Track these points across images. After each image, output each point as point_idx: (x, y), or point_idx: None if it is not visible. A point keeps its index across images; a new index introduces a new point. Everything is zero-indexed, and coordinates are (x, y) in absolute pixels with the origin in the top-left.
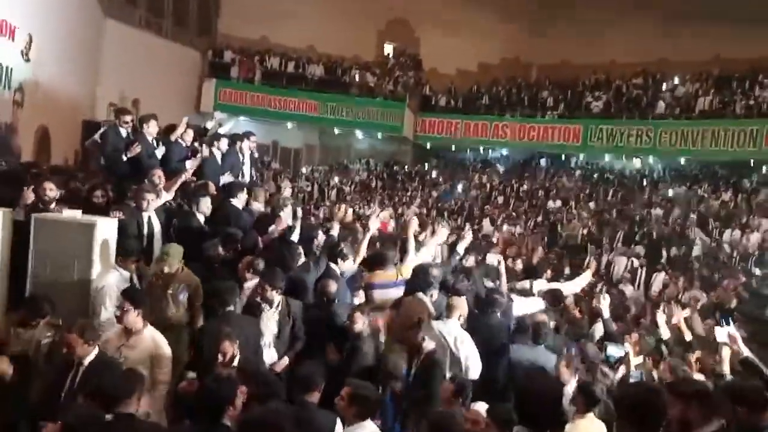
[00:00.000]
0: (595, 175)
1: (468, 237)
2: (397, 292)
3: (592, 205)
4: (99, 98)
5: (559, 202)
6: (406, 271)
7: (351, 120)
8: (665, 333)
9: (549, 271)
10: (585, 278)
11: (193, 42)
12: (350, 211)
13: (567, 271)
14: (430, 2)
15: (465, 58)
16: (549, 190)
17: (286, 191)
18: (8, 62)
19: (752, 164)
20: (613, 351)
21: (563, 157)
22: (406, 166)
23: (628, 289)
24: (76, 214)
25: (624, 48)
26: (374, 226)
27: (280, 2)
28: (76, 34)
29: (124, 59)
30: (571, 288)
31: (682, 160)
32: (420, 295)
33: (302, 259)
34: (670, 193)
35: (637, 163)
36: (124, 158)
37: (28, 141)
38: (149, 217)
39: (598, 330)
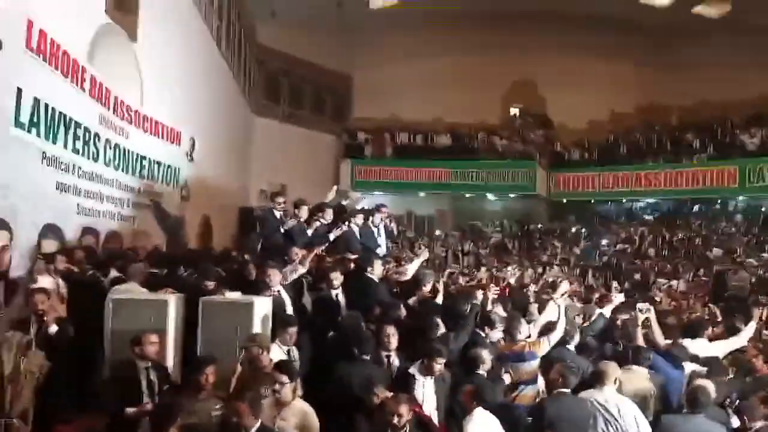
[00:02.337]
0: (760, 219)
1: (616, 299)
2: (530, 366)
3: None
4: (251, 186)
5: (720, 251)
6: (537, 347)
7: (481, 183)
8: None
9: (711, 329)
10: (749, 332)
11: (330, 127)
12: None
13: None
14: (553, 61)
15: (595, 110)
16: (707, 238)
17: (423, 256)
18: (176, 164)
19: None
20: None
21: (719, 201)
22: (541, 225)
23: None
24: (237, 294)
25: None
26: (491, 294)
27: (405, 82)
28: (230, 132)
29: (270, 149)
30: (733, 345)
31: None
32: (635, 368)
33: (441, 330)
34: None
35: None
36: (282, 231)
37: (192, 230)
38: (278, 291)
39: None
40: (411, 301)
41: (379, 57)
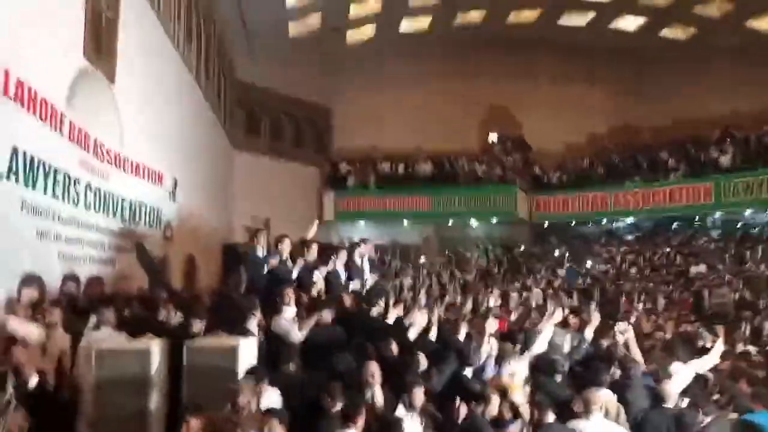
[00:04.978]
0: (738, 234)
1: (595, 319)
2: None
3: (740, 265)
4: (234, 223)
5: (702, 267)
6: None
7: (463, 210)
8: None
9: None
10: (717, 351)
11: (311, 159)
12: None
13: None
14: (529, 86)
15: (572, 133)
16: (688, 255)
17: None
18: (159, 205)
19: None
20: None
21: (696, 219)
22: (524, 248)
23: None
24: (222, 337)
25: (743, 96)
26: (491, 327)
27: (384, 112)
28: (211, 169)
29: (252, 184)
30: (702, 366)
31: None
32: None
33: (424, 365)
34: None
35: None
36: (264, 271)
37: (177, 270)
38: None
39: None
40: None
41: (357, 88)
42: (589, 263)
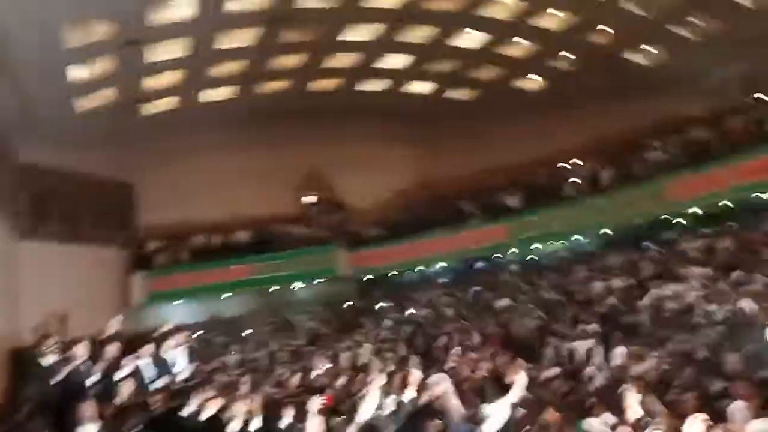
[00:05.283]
0: (533, 266)
1: (416, 374)
2: None
3: (537, 294)
4: (24, 323)
5: (506, 300)
6: None
7: (285, 274)
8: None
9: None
10: (521, 383)
11: (114, 240)
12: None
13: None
14: (338, 149)
15: (381, 190)
16: (492, 290)
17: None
18: None
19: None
20: None
21: (496, 256)
22: (351, 304)
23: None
24: None
25: (526, 146)
26: (316, 405)
27: (193, 184)
28: None
29: (44, 275)
30: (512, 400)
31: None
32: None
33: None
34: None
35: (567, 244)
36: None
37: None
38: None
39: None
40: None
41: (161, 161)
42: (410, 311)
